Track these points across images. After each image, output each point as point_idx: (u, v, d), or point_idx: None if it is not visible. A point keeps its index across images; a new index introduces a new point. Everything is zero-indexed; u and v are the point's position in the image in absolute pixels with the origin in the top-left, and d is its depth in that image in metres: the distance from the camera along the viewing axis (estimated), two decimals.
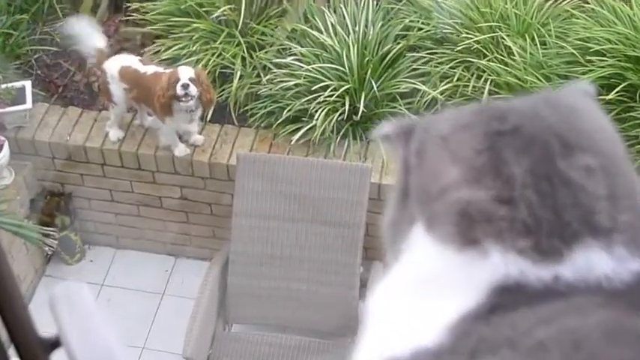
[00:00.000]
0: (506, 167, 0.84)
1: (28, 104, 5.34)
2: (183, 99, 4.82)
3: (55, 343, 1.21)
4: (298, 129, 5.20)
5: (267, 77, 5.31)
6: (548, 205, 0.82)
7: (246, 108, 5.39)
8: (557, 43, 5.08)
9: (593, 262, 0.81)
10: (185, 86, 4.76)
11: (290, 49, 5.34)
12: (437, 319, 0.82)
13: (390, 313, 0.89)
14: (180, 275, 5.72)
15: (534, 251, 0.81)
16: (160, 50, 5.48)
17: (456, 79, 5.09)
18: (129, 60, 5.17)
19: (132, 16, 5.73)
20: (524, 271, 0.81)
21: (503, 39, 5.07)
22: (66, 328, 1.19)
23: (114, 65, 5.09)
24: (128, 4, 5.81)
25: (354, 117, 5.16)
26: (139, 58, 5.25)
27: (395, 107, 5.17)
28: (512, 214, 0.82)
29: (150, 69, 5.05)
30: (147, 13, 5.63)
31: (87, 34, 5.13)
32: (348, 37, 5.25)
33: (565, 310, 0.79)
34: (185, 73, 4.82)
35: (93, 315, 1.23)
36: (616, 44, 4.85)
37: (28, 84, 5.43)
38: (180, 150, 5.23)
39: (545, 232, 0.82)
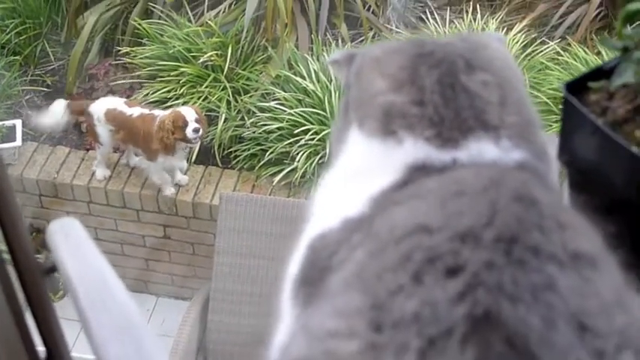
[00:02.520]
0: (420, 79, 1.06)
1: (18, 142, 5.49)
2: (194, 141, 4.99)
3: (51, 269, 1.36)
4: (280, 171, 5.33)
5: (251, 120, 5.45)
6: (450, 106, 1.03)
7: (230, 150, 5.54)
8: (532, 93, 5.25)
9: (483, 149, 1.01)
10: (197, 130, 4.91)
11: (274, 93, 5.49)
12: (362, 196, 0.98)
13: (326, 200, 1.07)
14: (162, 315, 5.80)
15: (437, 139, 1.02)
16: (148, 93, 5.61)
17: None
18: (114, 102, 5.29)
19: (121, 60, 5.88)
20: (429, 155, 1.01)
21: None
22: (62, 255, 1.33)
23: (100, 108, 5.21)
24: (118, 49, 5.97)
25: None
26: (125, 100, 5.38)
27: None
28: (422, 112, 1.04)
29: (135, 111, 5.17)
30: (136, 57, 5.78)
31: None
32: (330, 83, 5.41)
33: (456, 173, 0.96)
34: (190, 115, 4.94)
35: (86, 244, 1.37)
36: None
37: (18, 123, 5.58)
38: (170, 189, 5.37)
39: (446, 125, 1.02)
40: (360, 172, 1.07)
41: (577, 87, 1.26)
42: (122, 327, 1.22)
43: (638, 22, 1.19)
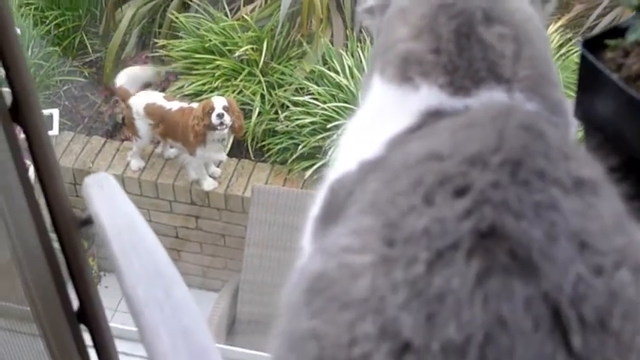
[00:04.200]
0: (438, 28, 1.09)
1: (55, 131, 5.56)
2: (219, 127, 5.02)
3: (86, 221, 1.41)
4: (312, 165, 5.38)
5: (285, 114, 5.51)
6: (464, 56, 1.06)
7: (263, 143, 5.59)
8: (566, 92, 5.24)
9: (494, 99, 1.04)
10: (220, 115, 4.97)
11: (307, 88, 5.54)
12: (379, 139, 1.02)
13: (347, 146, 1.11)
14: None
15: (450, 87, 1.05)
16: (183, 86, 5.67)
17: None
18: (154, 96, 5.38)
19: (158, 52, 5.95)
20: (442, 101, 1.04)
21: None
22: (96, 205, 1.39)
23: (139, 102, 5.29)
24: (155, 41, 6.04)
25: None
26: (163, 94, 5.45)
27: None
28: (437, 60, 1.07)
29: (174, 105, 5.24)
30: (172, 49, 5.85)
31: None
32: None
33: (468, 113, 1.03)
34: (219, 102, 5.02)
35: (118, 195, 1.42)
36: None
37: (55, 112, 5.66)
38: (209, 183, 5.42)
39: (459, 74, 1.05)
40: (378, 118, 1.10)
41: (594, 45, 1.29)
42: (151, 271, 1.26)
43: None
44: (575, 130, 1.23)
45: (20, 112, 1.31)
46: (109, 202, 1.41)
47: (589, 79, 1.28)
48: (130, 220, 1.37)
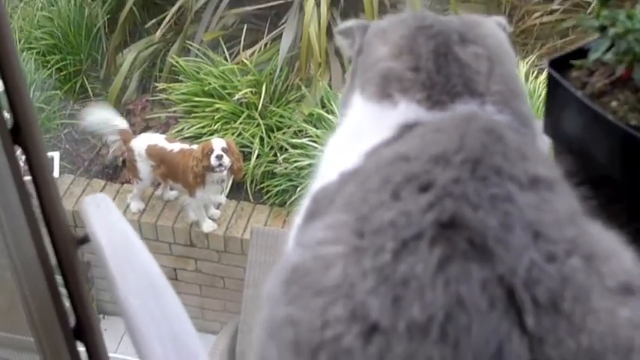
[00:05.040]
0: (417, 47, 1.18)
1: (56, 174, 5.62)
2: (218, 169, 5.03)
3: (83, 239, 1.45)
4: None
5: (283, 157, 5.56)
6: (442, 73, 1.15)
7: (262, 185, 5.64)
8: None
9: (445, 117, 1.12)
10: (219, 157, 4.99)
11: (306, 131, 5.59)
12: (359, 152, 1.08)
13: (329, 160, 1.17)
14: None
15: (428, 102, 1.13)
16: (183, 128, 5.73)
17: None
18: (155, 138, 5.39)
19: (158, 96, 6.02)
20: (419, 115, 1.12)
21: None
22: (93, 223, 1.43)
23: (141, 143, 5.31)
24: (155, 85, 6.12)
25: None
26: (164, 136, 5.49)
27: None
28: (416, 77, 1.15)
29: (175, 146, 5.27)
30: (172, 93, 5.92)
31: (108, 119, 5.40)
32: None
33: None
34: (218, 144, 5.04)
35: (114, 213, 1.47)
36: None
37: (56, 155, 5.72)
38: (208, 225, 5.45)
39: (436, 90, 1.13)
40: (358, 132, 1.18)
41: (561, 65, 1.38)
42: (145, 283, 1.31)
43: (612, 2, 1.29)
44: (546, 145, 1.31)
45: (21, 134, 1.36)
46: (105, 220, 1.46)
47: (556, 97, 1.36)
48: (124, 236, 1.42)
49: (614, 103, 1.26)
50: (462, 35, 1.19)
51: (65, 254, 1.46)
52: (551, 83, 1.35)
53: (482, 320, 0.81)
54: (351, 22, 1.33)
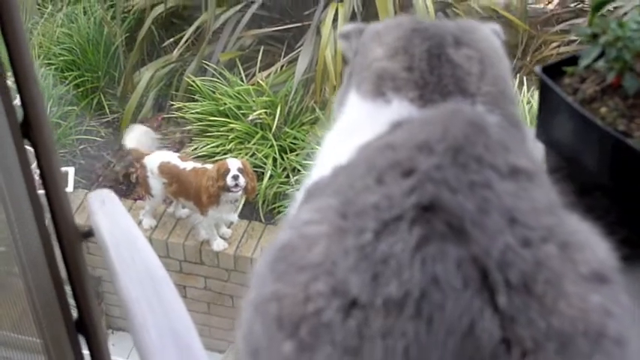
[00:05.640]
0: (411, 48, 1.21)
1: (70, 188, 5.66)
2: (234, 189, 5.07)
3: (88, 233, 1.49)
4: None
5: (296, 178, 5.59)
6: (435, 73, 1.18)
7: (273, 206, 5.67)
8: None
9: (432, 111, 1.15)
10: (235, 177, 5.02)
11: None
12: (353, 147, 1.11)
13: (323, 156, 1.21)
14: None
15: (420, 100, 1.16)
16: (197, 147, 5.78)
17: None
18: (168, 156, 5.43)
19: (173, 114, 6.06)
20: (411, 113, 1.15)
21: None
22: (97, 218, 1.47)
23: (154, 161, 5.35)
24: (171, 103, 6.17)
25: None
26: (178, 154, 5.53)
27: None
28: (409, 77, 1.18)
29: (188, 165, 5.31)
30: (187, 112, 5.97)
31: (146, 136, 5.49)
32: None
33: None
34: (234, 164, 5.07)
35: (118, 209, 1.51)
36: None
37: (71, 170, 5.77)
38: (219, 244, 5.48)
39: (429, 89, 1.16)
40: (352, 129, 1.20)
41: (553, 72, 1.41)
42: (145, 276, 1.35)
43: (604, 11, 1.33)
44: (539, 151, 1.34)
45: (30, 128, 1.40)
46: (109, 215, 1.50)
47: (548, 103, 1.40)
48: (127, 231, 1.46)
49: (603, 109, 1.29)
50: (457, 38, 1.22)
51: (70, 248, 1.50)
52: (544, 89, 1.38)
53: (455, 298, 0.84)
54: (349, 27, 1.37)
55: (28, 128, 1.40)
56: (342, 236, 0.91)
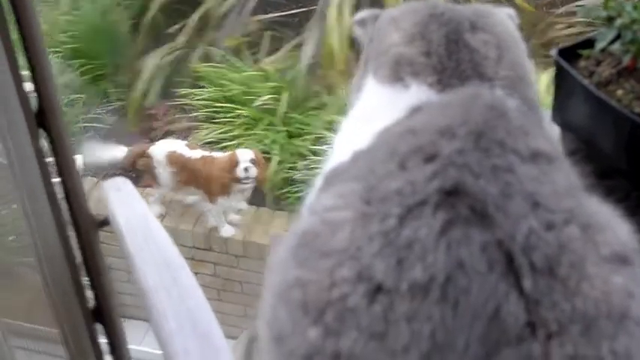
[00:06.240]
0: (429, 34, 1.21)
1: None
2: (245, 181, 5.09)
3: (103, 222, 1.50)
4: None
5: (304, 163, 5.58)
6: (452, 58, 1.18)
7: (281, 191, 5.66)
8: None
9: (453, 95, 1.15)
10: (247, 169, 5.03)
11: (327, 138, 5.61)
12: (371, 132, 1.11)
13: (341, 141, 1.21)
14: None
15: (438, 85, 1.16)
16: (204, 134, 5.78)
17: None
18: (175, 145, 5.40)
19: (180, 101, 6.06)
20: (430, 97, 1.15)
21: None
22: (113, 206, 1.48)
23: (161, 150, 5.34)
24: (177, 91, 6.16)
25: None
26: (185, 142, 5.51)
27: None
28: (427, 62, 1.18)
29: (196, 153, 5.29)
30: (194, 98, 5.97)
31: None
32: None
33: None
34: (245, 155, 5.08)
35: (134, 196, 1.51)
36: None
37: (79, 157, 5.75)
38: (227, 230, 5.47)
39: (447, 73, 1.16)
40: (371, 114, 1.20)
41: (569, 55, 1.41)
42: (161, 262, 1.35)
43: None
44: (555, 133, 1.35)
45: (45, 118, 1.40)
46: (125, 203, 1.50)
47: (564, 86, 1.40)
48: (143, 218, 1.46)
49: (619, 92, 1.29)
50: (473, 23, 1.22)
51: (86, 237, 1.51)
52: (560, 72, 1.38)
53: (481, 282, 0.85)
54: (364, 13, 1.37)
55: (42, 117, 1.40)
56: (366, 222, 0.91)
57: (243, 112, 5.79)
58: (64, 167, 1.44)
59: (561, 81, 1.38)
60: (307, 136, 5.72)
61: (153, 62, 6.27)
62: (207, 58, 6.20)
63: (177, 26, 6.38)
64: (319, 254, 0.91)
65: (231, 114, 5.81)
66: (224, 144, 5.62)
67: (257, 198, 5.64)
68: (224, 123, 5.80)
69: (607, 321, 0.86)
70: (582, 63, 1.39)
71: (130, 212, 1.48)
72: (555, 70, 1.40)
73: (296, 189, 5.59)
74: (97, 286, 1.54)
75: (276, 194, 5.68)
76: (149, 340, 5.82)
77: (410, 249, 0.87)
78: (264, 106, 5.81)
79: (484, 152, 0.95)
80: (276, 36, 6.28)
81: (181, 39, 6.23)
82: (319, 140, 5.65)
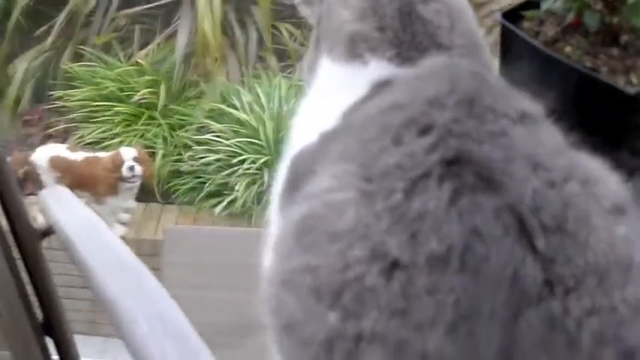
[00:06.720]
0: (380, 8, 1.21)
1: None
2: (131, 180, 5.04)
3: (46, 232, 1.45)
4: (220, 202, 5.40)
5: (189, 154, 5.54)
6: (407, 30, 1.19)
7: (169, 185, 5.61)
8: None
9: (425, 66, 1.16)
10: (131, 168, 4.99)
11: (209, 126, 5.58)
12: (335, 113, 1.11)
13: (302, 124, 1.20)
14: (112, 355, 5.77)
15: (397, 58, 1.17)
16: (84, 135, 5.67)
17: None
18: (57, 149, 5.30)
19: (55, 104, 5.93)
20: (391, 72, 1.15)
21: None
22: (56, 214, 1.43)
23: (42, 156, 5.20)
24: (51, 93, 6.02)
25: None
26: (66, 146, 5.42)
27: None
28: (383, 37, 1.19)
29: (79, 155, 5.21)
30: (69, 100, 5.84)
31: None
32: (264, 113, 5.53)
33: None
34: (128, 154, 5.03)
35: (75, 203, 1.47)
36: None
37: None
38: (117, 230, 5.35)
39: (404, 47, 1.17)
40: (331, 93, 1.21)
41: (511, 17, 1.45)
42: (119, 267, 1.31)
43: None
44: None
45: None
46: (69, 210, 1.46)
47: (511, 48, 1.43)
48: (93, 225, 1.42)
49: (567, 49, 1.33)
50: None
51: (29, 248, 1.46)
52: (506, 34, 1.41)
53: (498, 247, 0.85)
54: None
55: None
56: (370, 200, 0.90)
57: (122, 108, 5.71)
58: (2, 181, 1.39)
59: (508, 43, 1.41)
60: (189, 127, 5.67)
61: (22, 67, 6.11)
62: (78, 57, 6.07)
63: (43, 28, 6.22)
64: (327, 237, 0.91)
65: (110, 112, 5.72)
66: (105, 143, 5.53)
67: (145, 194, 5.57)
68: (103, 122, 5.70)
69: (617, 271, 0.88)
70: (526, 24, 1.41)
71: (77, 219, 1.43)
72: (501, 32, 1.42)
73: (184, 181, 5.56)
74: (44, 299, 1.49)
75: (164, 188, 5.62)
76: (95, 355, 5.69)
77: (422, 222, 0.87)
78: (143, 101, 5.74)
79: (478, 119, 0.96)
80: (147, 29, 6.19)
81: (49, 40, 6.08)
82: (202, 129, 5.62)
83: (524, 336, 0.84)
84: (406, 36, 1.17)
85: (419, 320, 0.84)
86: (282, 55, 6.20)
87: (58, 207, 1.47)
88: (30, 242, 1.45)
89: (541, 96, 1.27)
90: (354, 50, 1.19)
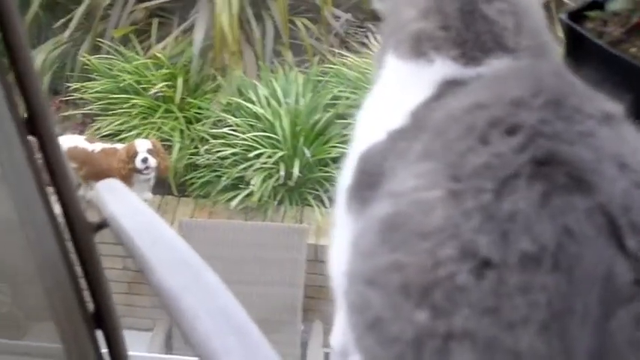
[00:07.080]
0: (443, 7, 1.21)
1: None
2: (145, 171, 5.06)
3: (100, 225, 1.46)
4: (236, 196, 5.42)
5: (205, 148, 5.56)
6: (471, 30, 1.18)
7: (185, 178, 5.62)
8: None
9: (502, 67, 1.17)
10: (145, 160, 5.01)
11: (225, 120, 5.60)
12: (402, 111, 1.12)
13: (369, 120, 1.21)
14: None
15: (462, 58, 1.16)
16: (100, 127, 5.69)
17: None
18: (74, 140, 5.32)
19: (72, 96, 5.95)
20: (456, 71, 1.16)
21: None
22: (112, 208, 1.44)
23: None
24: (68, 85, 6.05)
25: (289, 182, 5.41)
26: (84, 136, 5.44)
27: (328, 172, 5.43)
28: (447, 35, 1.18)
29: (97, 146, 5.24)
30: (86, 92, 5.87)
31: None
32: (280, 107, 5.55)
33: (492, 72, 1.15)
34: (143, 146, 5.05)
35: (130, 196, 1.48)
36: None
37: None
38: None
39: (468, 46, 1.17)
40: (397, 91, 1.22)
41: (575, 17, 1.45)
42: (177, 261, 1.31)
43: None
44: None
45: (35, 124, 1.36)
46: (123, 203, 1.47)
47: (576, 48, 1.42)
48: (147, 217, 1.43)
49: (633, 50, 1.33)
50: None
51: (83, 241, 1.47)
52: (571, 35, 1.41)
53: (591, 247, 0.86)
54: None
55: (32, 124, 1.36)
56: (459, 199, 0.91)
57: (139, 101, 5.73)
58: (57, 171, 1.40)
59: (573, 44, 1.41)
60: (206, 120, 5.68)
61: (39, 59, 6.12)
62: (96, 50, 6.09)
63: (62, 21, 6.24)
64: (415, 236, 0.91)
65: (127, 104, 5.74)
66: (122, 136, 5.54)
67: (161, 187, 5.59)
68: (120, 114, 5.72)
69: None
70: (589, 25, 1.42)
71: (133, 212, 1.44)
72: (566, 33, 1.42)
73: (200, 174, 5.57)
74: (95, 291, 1.50)
75: (180, 181, 5.63)
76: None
77: (513, 222, 0.88)
78: (160, 94, 5.75)
79: (567, 120, 0.96)
80: (164, 22, 6.22)
81: (67, 33, 6.10)
82: (218, 123, 5.63)
83: (614, 335, 0.85)
84: (469, 35, 1.17)
85: (511, 319, 0.85)
86: (298, 50, 6.22)
87: (114, 200, 1.48)
88: (84, 236, 1.46)
89: (609, 96, 1.28)
90: (419, 48, 1.19)
